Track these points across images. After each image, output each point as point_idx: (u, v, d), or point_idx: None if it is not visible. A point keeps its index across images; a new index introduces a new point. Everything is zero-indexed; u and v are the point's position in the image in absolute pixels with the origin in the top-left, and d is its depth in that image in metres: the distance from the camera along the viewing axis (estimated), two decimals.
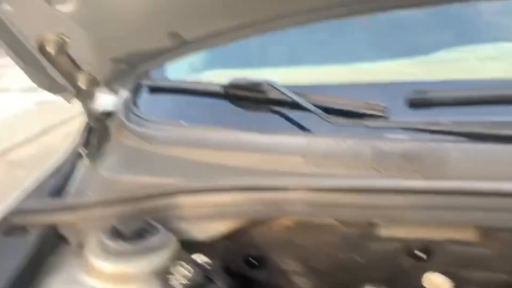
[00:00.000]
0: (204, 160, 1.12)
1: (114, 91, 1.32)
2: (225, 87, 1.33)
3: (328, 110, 1.17)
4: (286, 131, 1.17)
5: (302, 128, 1.21)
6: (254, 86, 1.28)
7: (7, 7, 1.00)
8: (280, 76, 1.47)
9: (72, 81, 1.19)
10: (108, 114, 1.39)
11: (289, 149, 1.07)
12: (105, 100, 1.35)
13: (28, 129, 5.86)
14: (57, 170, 1.27)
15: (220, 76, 1.60)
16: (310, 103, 1.19)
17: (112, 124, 1.38)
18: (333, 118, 1.14)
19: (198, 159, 1.13)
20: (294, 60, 1.59)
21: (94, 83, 1.21)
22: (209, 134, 1.20)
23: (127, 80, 1.30)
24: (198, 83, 1.46)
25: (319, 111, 1.16)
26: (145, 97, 1.48)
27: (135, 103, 1.45)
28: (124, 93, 1.41)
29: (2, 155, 5.15)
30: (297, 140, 1.09)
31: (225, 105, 1.35)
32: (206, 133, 1.20)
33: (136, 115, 1.36)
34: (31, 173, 4.39)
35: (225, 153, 1.12)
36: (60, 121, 6.12)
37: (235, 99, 1.33)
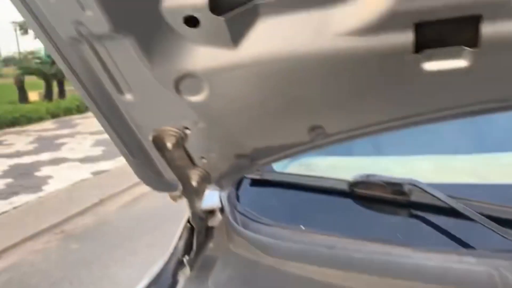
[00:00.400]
0: (347, 285, 0.88)
1: (221, 186, 1.14)
2: (352, 184, 1.12)
3: (500, 221, 0.93)
4: (456, 250, 0.92)
5: (465, 244, 0.95)
6: (393, 186, 1.06)
7: (129, 97, 0.86)
8: (407, 169, 1.25)
9: (183, 178, 1.02)
10: (210, 212, 1.21)
11: (473, 279, 0.81)
12: (210, 197, 1.17)
13: (84, 199, 5.86)
14: (155, 281, 1.07)
15: (324, 165, 1.40)
16: (475, 211, 0.94)
17: (216, 225, 1.18)
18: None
19: (338, 283, 0.89)
20: (422, 148, 1.35)
21: (206, 180, 1.04)
22: (346, 246, 0.97)
23: (239, 175, 1.12)
24: (312, 177, 1.25)
25: (494, 225, 0.91)
26: (250, 191, 1.29)
27: (238, 198, 1.26)
28: (229, 188, 1.23)
29: (58, 226, 5.12)
30: (480, 265, 0.84)
31: (351, 206, 1.13)
32: (342, 245, 0.97)
33: (243, 214, 1.17)
34: (85, 246, 4.22)
35: (375, 279, 0.88)
36: (116, 192, 6.14)
37: (365, 200, 1.11)
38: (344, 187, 1.13)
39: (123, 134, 0.95)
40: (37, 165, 7.56)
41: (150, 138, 0.94)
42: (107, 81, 0.84)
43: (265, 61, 0.78)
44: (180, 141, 0.94)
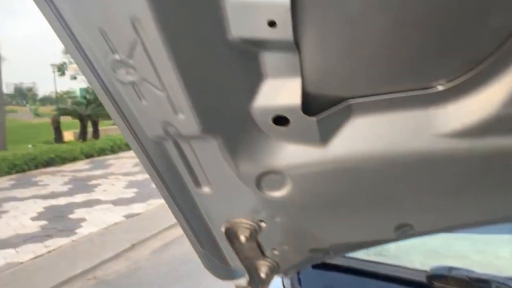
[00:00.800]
0: None
1: (286, 274, 1.08)
2: (431, 277, 1.03)
3: None
4: None
5: None
6: (479, 283, 0.97)
7: (206, 190, 0.82)
8: (487, 255, 1.15)
9: (251, 269, 0.96)
10: None
11: None
12: (274, 285, 1.10)
13: (117, 243, 5.85)
14: None
15: (393, 245, 1.31)
16: None
17: None
18: None
19: None
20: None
21: (275, 271, 0.97)
22: None
23: (309, 265, 1.05)
24: (384, 265, 1.17)
25: None
26: (312, 274, 1.21)
27: (300, 282, 1.18)
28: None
29: (90, 271, 5.09)
30: None
31: None
32: None
33: None
34: None
35: None
36: (148, 236, 6.11)
37: None
38: (422, 278, 1.04)
39: (195, 224, 0.91)
40: (71, 207, 7.65)
41: (223, 229, 0.89)
42: (186, 175, 0.81)
43: (355, 159, 0.73)
44: (254, 234, 0.89)
